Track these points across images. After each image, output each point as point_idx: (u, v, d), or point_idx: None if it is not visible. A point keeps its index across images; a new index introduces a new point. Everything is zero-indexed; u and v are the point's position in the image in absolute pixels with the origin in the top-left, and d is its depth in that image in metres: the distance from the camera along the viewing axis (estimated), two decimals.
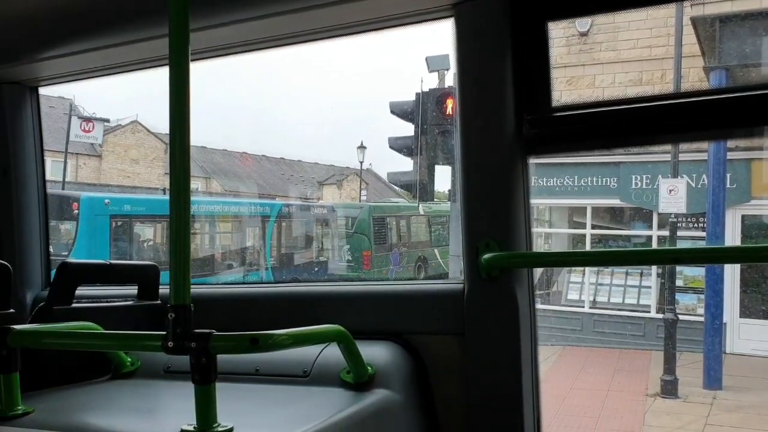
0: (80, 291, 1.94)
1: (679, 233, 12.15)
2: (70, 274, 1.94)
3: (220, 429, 1.27)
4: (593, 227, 14.99)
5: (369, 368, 1.75)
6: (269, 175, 36.18)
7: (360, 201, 31.76)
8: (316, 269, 20.43)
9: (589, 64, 14.58)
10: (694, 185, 12.71)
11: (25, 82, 2.53)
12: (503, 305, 1.79)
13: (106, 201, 15.62)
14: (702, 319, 11.81)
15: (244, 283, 8.31)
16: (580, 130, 1.78)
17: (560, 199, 14.85)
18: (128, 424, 1.56)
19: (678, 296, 12.32)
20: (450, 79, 10.30)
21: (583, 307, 14.65)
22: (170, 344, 1.26)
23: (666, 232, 12.23)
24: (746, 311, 12.87)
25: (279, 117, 57.46)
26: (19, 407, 1.51)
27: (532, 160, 1.85)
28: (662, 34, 13.44)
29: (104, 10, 1.96)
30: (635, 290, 14.39)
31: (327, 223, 21.64)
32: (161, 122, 30.34)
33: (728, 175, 11.74)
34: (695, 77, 12.58)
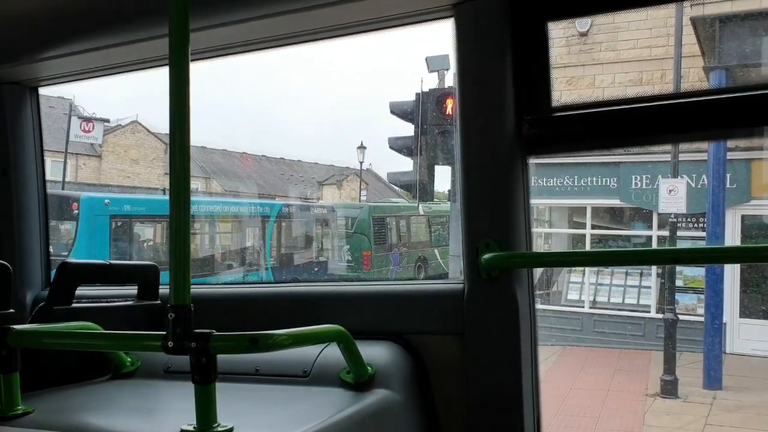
0: (80, 291, 1.94)
1: (679, 233, 12.16)
2: (70, 274, 1.94)
3: (220, 429, 1.27)
4: (593, 227, 14.99)
5: (369, 368, 1.75)
6: (269, 175, 36.18)
7: (360, 201, 31.76)
8: (316, 269, 20.43)
9: (589, 64, 14.58)
10: (694, 185, 12.71)
11: (25, 82, 2.53)
12: (503, 305, 1.79)
13: (106, 201, 15.62)
14: (702, 319, 11.82)
15: (244, 283, 8.31)
16: (580, 130, 1.78)
17: (560, 199, 14.85)
18: (128, 424, 1.56)
19: (678, 296, 12.33)
20: (450, 79, 10.31)
21: (583, 307, 14.65)
22: (170, 344, 1.26)
23: (666, 232, 12.23)
24: (746, 311, 12.87)
25: (279, 117, 57.54)
26: (19, 407, 1.51)
27: (532, 160, 1.85)
28: (662, 34, 13.44)
29: (104, 10, 1.96)
30: (635, 290, 14.39)
31: (327, 223, 21.65)
32: (161, 122, 30.37)
33: (728, 175, 11.74)
34: (695, 77, 12.58)
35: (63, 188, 19.41)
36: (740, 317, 12.81)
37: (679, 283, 12.74)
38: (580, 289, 14.91)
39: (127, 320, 2.06)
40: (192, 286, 1.30)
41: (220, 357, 1.26)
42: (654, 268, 13.91)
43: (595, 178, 14.39)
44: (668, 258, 2.60)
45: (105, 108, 54.05)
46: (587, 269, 14.58)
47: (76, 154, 28.06)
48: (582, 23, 14.20)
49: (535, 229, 12.94)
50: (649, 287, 14.23)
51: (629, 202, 14.35)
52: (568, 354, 13.43)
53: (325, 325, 1.56)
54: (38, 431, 1.41)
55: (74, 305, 1.92)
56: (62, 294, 1.90)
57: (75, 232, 14.64)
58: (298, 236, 20.89)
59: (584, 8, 1.89)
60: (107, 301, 2.07)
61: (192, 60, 1.36)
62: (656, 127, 1.71)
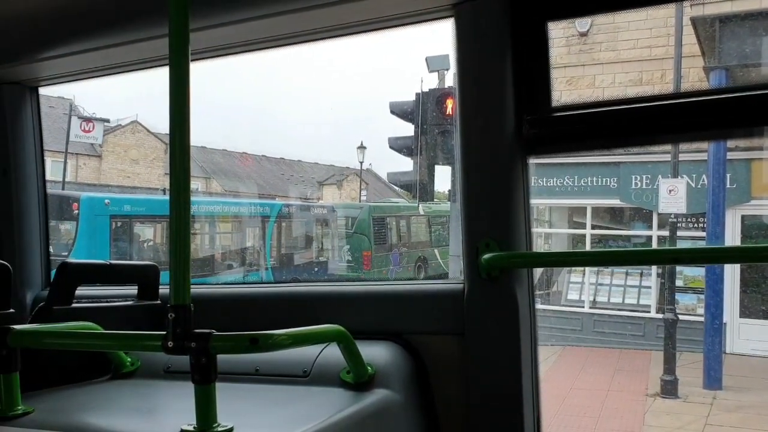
0: (80, 291, 1.94)
1: (679, 233, 12.16)
2: (70, 274, 1.94)
3: (220, 429, 1.27)
4: (593, 227, 14.99)
5: (369, 368, 1.75)
6: (269, 175, 36.18)
7: (360, 201, 31.76)
8: (316, 269, 20.43)
9: (589, 64, 14.58)
10: (694, 185, 12.71)
11: (25, 82, 2.53)
12: (503, 305, 1.79)
13: (106, 201, 15.62)
14: (702, 319, 11.81)
15: (244, 283, 8.31)
16: (580, 130, 1.78)
17: (560, 199, 14.85)
18: (128, 424, 1.56)
19: (678, 296, 12.33)
20: (450, 79, 10.31)
21: (583, 307, 14.65)
22: (170, 344, 1.26)
23: (666, 232, 12.23)
24: (746, 311, 12.87)
25: (279, 117, 57.49)
26: (19, 407, 1.51)
27: (532, 160, 1.85)
28: (662, 34, 13.44)
29: (104, 10, 1.97)
30: (635, 290, 14.39)
31: (327, 223, 21.65)
32: (161, 122, 30.37)
33: (728, 175, 11.74)
34: (695, 77, 12.58)
35: (63, 188, 19.42)
36: (740, 317, 12.81)
37: (679, 283, 12.74)
38: (580, 289, 14.91)
39: (127, 320, 2.06)
40: (192, 286, 1.30)
41: (220, 357, 1.26)
42: (654, 268, 13.91)
43: (595, 178, 14.39)
44: (668, 258, 2.61)
45: (105, 108, 54.07)
46: (587, 269, 14.58)
47: (76, 154, 28.06)
48: (582, 23, 14.20)
49: (535, 229, 12.94)
50: (649, 287, 14.23)
51: (629, 202, 14.35)
52: (568, 354, 13.43)
53: (325, 325, 1.56)
54: (38, 431, 1.41)
55: (74, 305, 1.92)
56: (62, 294, 1.90)
57: (75, 232, 14.64)
58: (298, 236, 20.89)
59: (584, 8, 1.89)
60: (107, 301, 2.07)
61: (192, 60, 1.36)
62: (656, 127, 1.71)
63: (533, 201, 2.09)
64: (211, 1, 1.83)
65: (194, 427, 1.26)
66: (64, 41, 2.18)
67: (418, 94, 9.62)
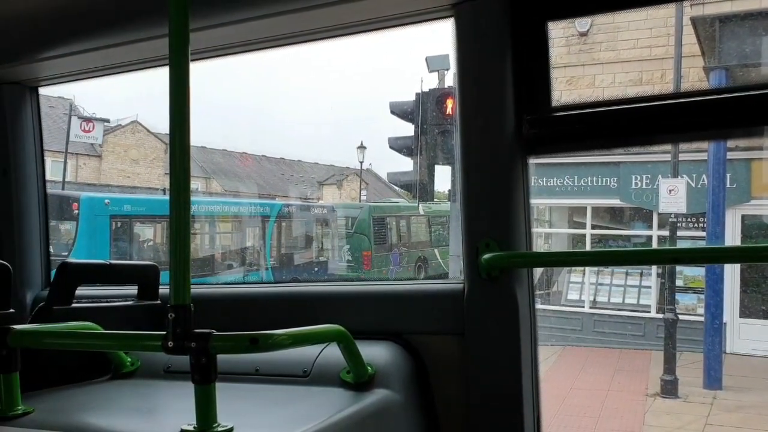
0: (80, 291, 1.94)
1: (679, 233, 12.15)
2: (70, 274, 1.94)
3: (220, 429, 1.27)
4: (593, 227, 14.99)
5: (369, 368, 1.75)
6: (269, 175, 36.18)
7: (360, 201, 31.76)
8: (316, 269, 20.43)
9: (589, 64, 14.58)
10: (694, 185, 12.71)
11: (25, 82, 2.53)
12: (503, 305, 1.79)
13: (106, 201, 15.62)
14: (702, 319, 11.81)
15: (244, 283, 8.31)
16: (579, 130, 1.78)
17: (560, 199, 14.85)
18: (128, 424, 1.56)
19: (678, 296, 12.32)
20: (450, 79, 10.31)
21: (583, 307, 14.65)
22: (170, 344, 1.26)
23: (666, 232, 12.23)
24: (746, 311, 12.87)
25: (279, 117, 57.48)
26: (19, 407, 1.51)
27: (532, 160, 1.85)
28: (662, 34, 13.44)
29: (104, 10, 1.97)
30: (635, 290, 14.39)
31: (327, 223, 21.65)
32: (161, 122, 30.36)
33: (728, 175, 11.74)
34: (695, 77, 12.58)
35: (63, 188, 19.42)
36: (740, 317, 12.81)
37: (679, 283, 12.74)
38: (580, 289, 14.91)
39: (127, 320, 2.06)
40: (192, 286, 1.30)
41: (220, 357, 1.26)
42: (654, 268, 13.91)
43: (595, 178, 14.39)
44: (668, 258, 2.61)
45: (105, 108, 54.07)
46: (587, 269, 14.58)
47: (76, 154, 28.06)
48: (582, 23, 14.20)
49: (535, 229, 12.94)
50: (649, 287, 14.23)
51: (629, 202, 14.35)
52: (568, 354, 13.43)
53: (325, 325, 1.56)
54: (38, 431, 1.41)
55: (74, 305, 1.92)
56: (62, 294, 1.90)
57: (75, 232, 14.64)
58: (298, 236, 20.90)
59: (584, 8, 1.90)
60: (107, 301, 2.07)
61: (192, 60, 1.36)
62: (656, 127, 1.71)
63: (533, 201, 2.09)
64: (211, 1, 1.83)
65: (194, 427, 1.26)
66: (64, 41, 2.18)
67: (418, 94, 9.63)
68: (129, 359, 2.00)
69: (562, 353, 13.45)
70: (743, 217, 13.05)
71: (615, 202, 14.44)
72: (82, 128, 22.77)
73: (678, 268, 12.18)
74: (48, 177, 2.73)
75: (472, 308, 1.83)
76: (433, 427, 1.91)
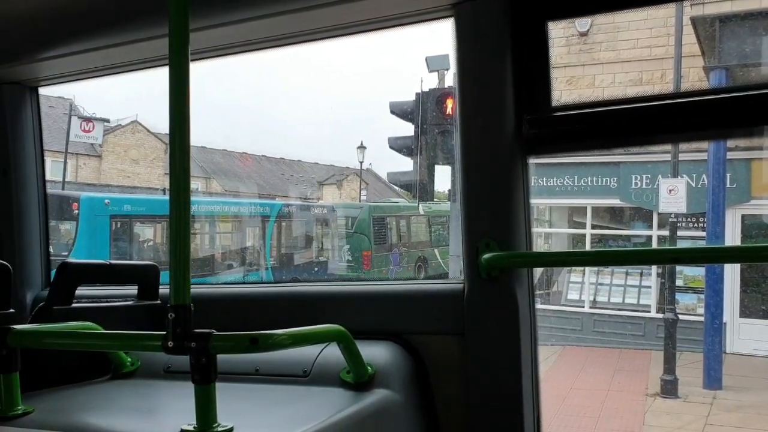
0: (80, 291, 1.94)
1: (679, 233, 12.16)
2: (70, 274, 1.94)
3: (220, 429, 1.27)
4: (593, 227, 14.99)
5: (369, 368, 1.75)
6: (269, 175, 36.17)
7: (360, 201, 31.75)
8: (316, 269, 20.43)
9: (589, 64, 14.58)
10: (694, 185, 12.71)
11: (25, 82, 2.53)
12: (503, 305, 1.79)
13: (106, 201, 15.62)
14: (702, 319, 11.81)
15: (244, 283, 8.31)
16: (579, 130, 1.78)
17: (560, 199, 14.85)
18: (128, 424, 1.56)
19: (678, 296, 12.33)
20: (450, 79, 10.31)
21: (583, 307, 14.65)
22: (170, 344, 1.26)
23: (666, 232, 12.23)
24: (746, 311, 12.87)
25: (279, 117, 57.47)
26: (19, 407, 1.51)
27: (532, 160, 1.85)
28: (662, 34, 13.44)
29: (104, 10, 1.97)
30: (635, 290, 14.39)
31: (327, 223, 21.65)
32: (161, 122, 30.35)
33: (728, 175, 11.74)
34: (695, 77, 12.58)
35: (63, 188, 19.42)
36: (740, 317, 12.81)
37: (679, 283, 12.74)
38: (580, 289, 14.91)
39: (127, 320, 2.06)
40: (192, 286, 1.30)
41: (220, 357, 1.26)
42: (654, 268, 13.91)
43: (595, 178, 14.39)
44: (668, 258, 2.61)
45: (105, 108, 54.08)
46: (587, 269, 14.58)
47: (76, 154, 28.06)
48: (582, 23, 14.20)
49: (535, 229, 12.94)
50: (649, 287, 14.23)
51: (629, 202, 14.35)
52: (568, 354, 13.43)
53: (325, 325, 1.56)
54: (38, 431, 1.41)
55: (74, 305, 1.92)
56: (62, 294, 1.91)
57: (75, 232, 14.64)
58: (298, 236, 20.90)
59: (584, 8, 1.90)
60: (107, 301, 2.07)
61: (192, 60, 1.36)
62: (656, 127, 1.71)
63: (533, 201, 2.09)
64: (211, 1, 1.83)
65: (194, 427, 1.26)
66: (64, 41, 2.18)
67: (418, 94, 9.63)
68: (129, 359, 2.00)
69: (562, 353, 13.46)
70: (743, 216, 13.05)
71: (615, 202, 14.44)
72: (82, 128, 22.78)
73: (678, 267, 12.19)
74: (48, 177, 2.73)
75: (472, 308, 1.83)
76: (433, 427, 1.91)
